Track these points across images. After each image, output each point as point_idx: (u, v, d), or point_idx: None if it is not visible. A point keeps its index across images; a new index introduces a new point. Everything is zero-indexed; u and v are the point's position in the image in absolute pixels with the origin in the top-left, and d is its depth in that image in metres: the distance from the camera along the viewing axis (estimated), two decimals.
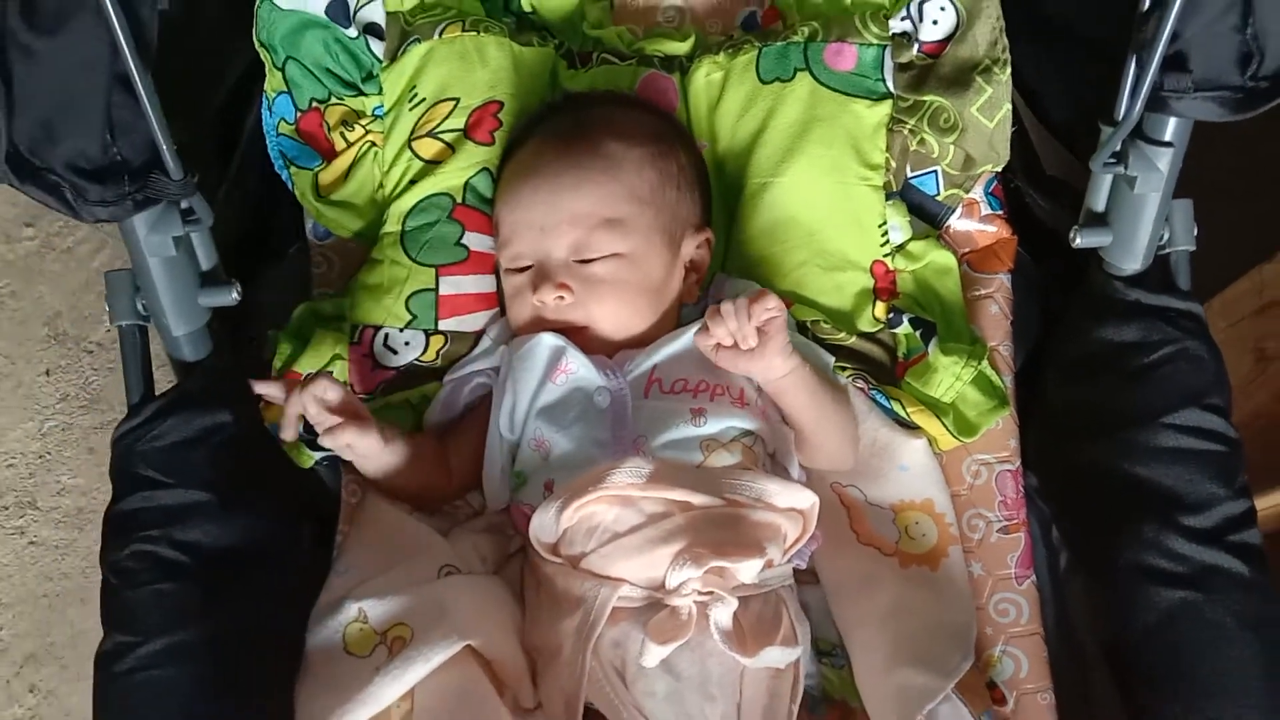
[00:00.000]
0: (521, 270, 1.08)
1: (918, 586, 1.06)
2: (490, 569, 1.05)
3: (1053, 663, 1.05)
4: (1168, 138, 0.89)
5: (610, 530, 0.95)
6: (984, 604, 1.07)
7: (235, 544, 0.91)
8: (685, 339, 1.04)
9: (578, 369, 1.04)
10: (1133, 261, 0.98)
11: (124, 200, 0.79)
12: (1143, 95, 0.83)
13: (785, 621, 0.97)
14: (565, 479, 0.98)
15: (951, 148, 1.10)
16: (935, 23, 1.10)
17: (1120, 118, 0.88)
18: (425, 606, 0.94)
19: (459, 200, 1.12)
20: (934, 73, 1.10)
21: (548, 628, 0.97)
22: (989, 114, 1.08)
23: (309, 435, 1.07)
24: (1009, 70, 1.07)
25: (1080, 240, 0.98)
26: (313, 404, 0.97)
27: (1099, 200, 0.96)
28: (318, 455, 1.07)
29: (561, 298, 1.05)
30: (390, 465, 1.03)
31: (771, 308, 0.96)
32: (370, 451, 1.01)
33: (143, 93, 0.74)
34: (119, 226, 0.85)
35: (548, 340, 1.05)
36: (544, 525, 0.97)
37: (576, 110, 1.12)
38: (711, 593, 0.93)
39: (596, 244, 1.04)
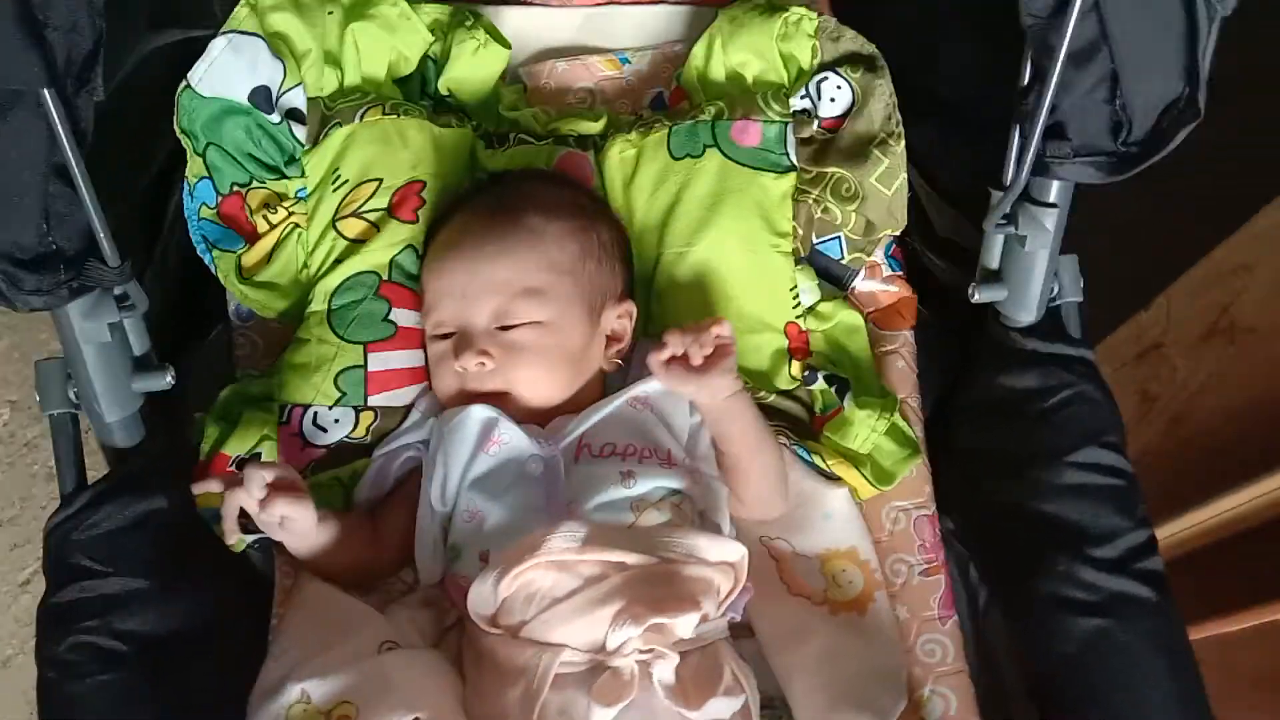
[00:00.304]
0: (444, 337, 1.10)
1: (848, 633, 1.09)
2: (429, 644, 1.05)
3: (979, 699, 1.10)
4: (1052, 199, 0.96)
5: (549, 596, 0.97)
6: (912, 646, 1.11)
7: (176, 629, 0.90)
8: (614, 405, 1.07)
9: (510, 439, 1.06)
10: (1027, 314, 1.06)
11: (59, 288, 0.80)
12: (1028, 162, 0.91)
13: (726, 672, 0.99)
14: (500, 548, 0.99)
15: (853, 214, 1.17)
16: (833, 100, 1.18)
17: (1008, 182, 0.95)
18: (369, 682, 0.94)
19: (385, 277, 1.15)
20: (834, 146, 1.17)
21: (491, 699, 0.97)
22: (886, 183, 1.15)
23: (242, 519, 1.06)
24: (903, 143, 1.15)
25: (978, 296, 1.04)
26: (255, 490, 0.96)
27: (993, 258, 1.04)
28: (250, 539, 1.06)
29: (482, 364, 1.07)
30: (322, 544, 1.04)
31: (725, 333, 1.02)
32: (304, 528, 1.01)
33: (80, 182, 0.75)
34: (52, 316, 0.85)
35: (479, 412, 1.07)
36: (482, 596, 0.98)
37: (503, 186, 1.16)
38: (652, 650, 0.94)
39: (516, 311, 1.07)
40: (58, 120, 0.73)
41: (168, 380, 0.92)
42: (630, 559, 0.97)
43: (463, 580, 1.02)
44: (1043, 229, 0.98)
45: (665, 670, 0.94)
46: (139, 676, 0.87)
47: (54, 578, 0.90)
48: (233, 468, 1.08)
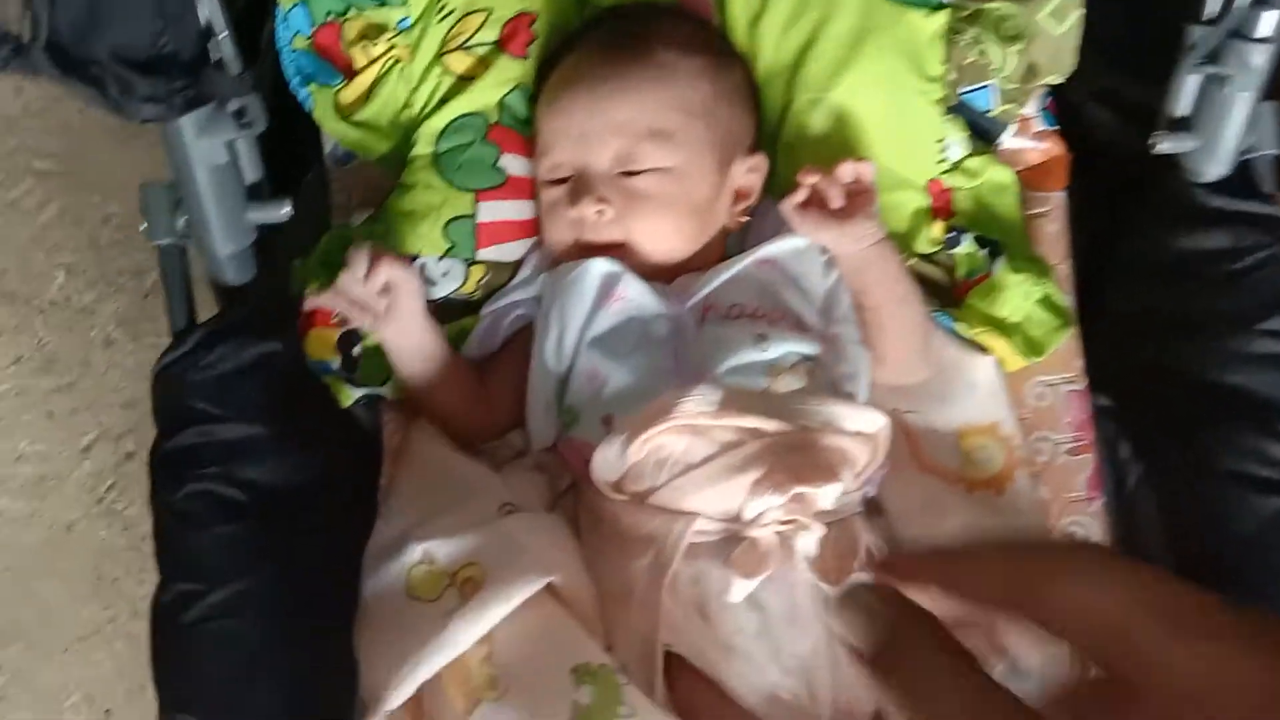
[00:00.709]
0: (559, 182, 1.01)
1: (986, 512, 1.03)
2: (546, 508, 0.99)
3: None
4: (1267, 33, 0.86)
5: (681, 462, 0.90)
6: (1053, 527, 1.04)
7: (292, 481, 0.83)
8: (742, 265, 0.99)
9: (634, 295, 0.98)
10: (1217, 166, 0.96)
11: (174, 96, 0.71)
12: None
13: (862, 548, 0.93)
14: (625, 412, 0.92)
15: (1014, 57, 1.06)
16: None
17: (1215, 14, 0.84)
18: (496, 544, 0.88)
19: (494, 120, 1.05)
20: None
21: (615, 568, 0.91)
22: (1058, 19, 1.04)
23: (346, 373, 0.99)
24: None
25: (1163, 145, 0.94)
26: (359, 266, 0.91)
27: (1183, 104, 0.93)
28: (357, 393, 0.99)
29: (601, 211, 0.98)
30: (433, 369, 0.97)
31: (867, 173, 0.93)
32: (411, 309, 0.95)
33: None
34: (162, 132, 0.76)
35: (599, 265, 0.98)
36: (608, 461, 0.91)
37: (627, 19, 1.06)
38: (793, 521, 0.88)
39: (641, 155, 0.98)
40: None
41: (285, 211, 0.84)
42: (768, 425, 0.90)
43: (581, 445, 0.95)
44: (1249, 69, 0.87)
45: (808, 542, 0.88)
46: (258, 527, 0.81)
47: (168, 420, 0.83)
48: (336, 320, 1.01)
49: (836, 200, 0.94)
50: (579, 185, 0.99)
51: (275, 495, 0.83)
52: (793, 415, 0.91)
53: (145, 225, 0.83)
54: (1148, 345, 1.01)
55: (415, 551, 0.88)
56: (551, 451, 1.01)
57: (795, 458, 0.89)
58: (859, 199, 0.95)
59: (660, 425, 0.89)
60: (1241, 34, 0.87)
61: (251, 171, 0.82)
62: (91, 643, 1.56)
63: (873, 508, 1.02)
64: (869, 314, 1.01)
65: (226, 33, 0.70)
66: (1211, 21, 0.84)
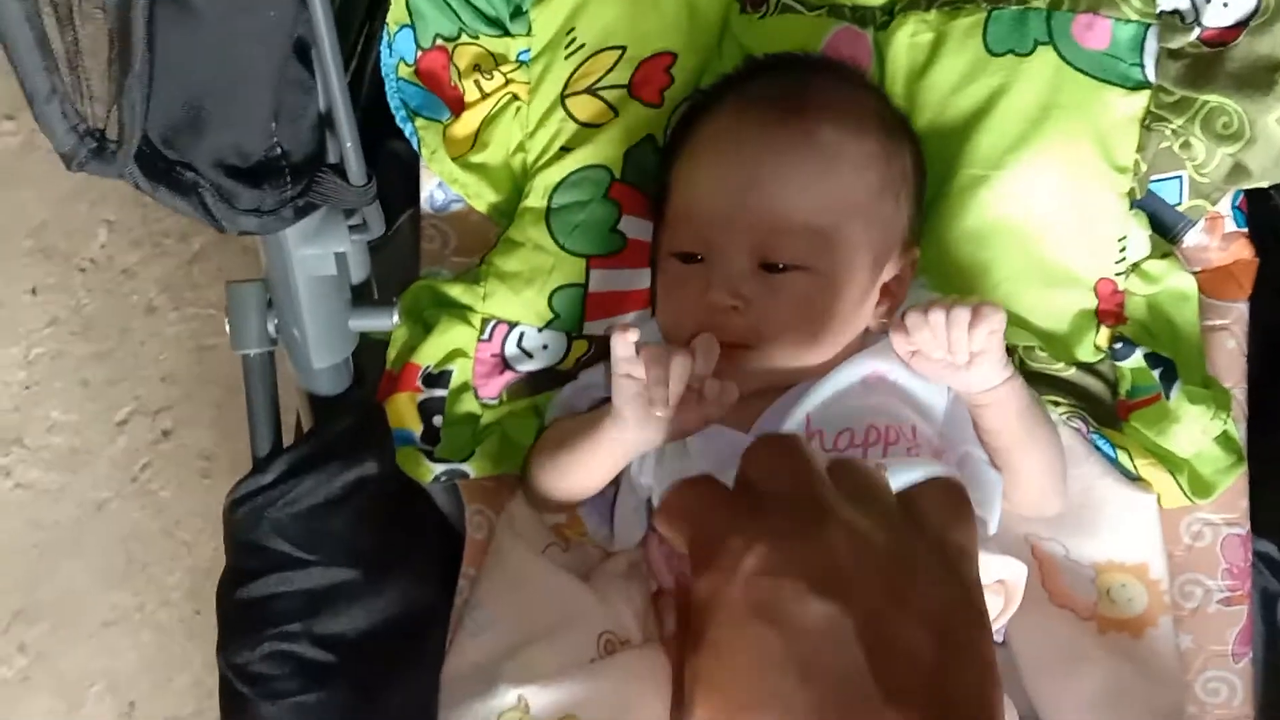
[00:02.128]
0: (686, 258, 0.89)
1: (1122, 660, 0.93)
2: (641, 623, 0.89)
3: None
4: None
5: None
6: (1192, 680, 0.95)
7: (384, 624, 0.74)
8: (843, 376, 0.87)
9: (698, 458, 0.85)
10: None
11: (284, 207, 0.58)
12: None
13: None
14: None
15: (1225, 158, 0.92)
16: (1225, 4, 0.91)
17: None
18: (600, 697, 0.79)
19: (617, 175, 0.93)
20: (1217, 66, 0.91)
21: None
22: None
23: (425, 446, 0.88)
24: None
25: None
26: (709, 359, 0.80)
27: None
28: (438, 469, 0.88)
29: (735, 307, 0.86)
30: (615, 467, 0.87)
31: (996, 328, 0.82)
32: (653, 445, 0.84)
33: (330, 59, 0.53)
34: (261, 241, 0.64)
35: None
36: None
37: (787, 78, 0.91)
38: None
39: (790, 252, 0.85)
40: None
41: (394, 319, 0.72)
42: None
43: (672, 552, 0.86)
44: None
45: None
46: (347, 690, 0.71)
47: (243, 563, 0.72)
48: (420, 382, 0.90)
49: (961, 355, 0.82)
50: (712, 273, 0.86)
51: (366, 650, 0.72)
52: None
53: (229, 331, 0.71)
54: None
55: (509, 696, 0.78)
56: (640, 548, 0.92)
57: None
58: (991, 340, 0.83)
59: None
60: None
61: (358, 272, 0.70)
62: (118, 630, 1.50)
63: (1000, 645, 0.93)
64: (992, 452, 0.90)
65: (351, 141, 0.57)
66: None
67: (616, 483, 0.92)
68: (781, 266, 0.86)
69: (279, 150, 0.57)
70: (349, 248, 0.65)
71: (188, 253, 1.61)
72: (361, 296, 0.73)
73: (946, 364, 0.84)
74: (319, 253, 0.64)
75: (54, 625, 1.50)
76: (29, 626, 1.50)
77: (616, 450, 0.86)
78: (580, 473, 0.88)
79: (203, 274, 1.59)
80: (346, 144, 0.57)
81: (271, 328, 0.71)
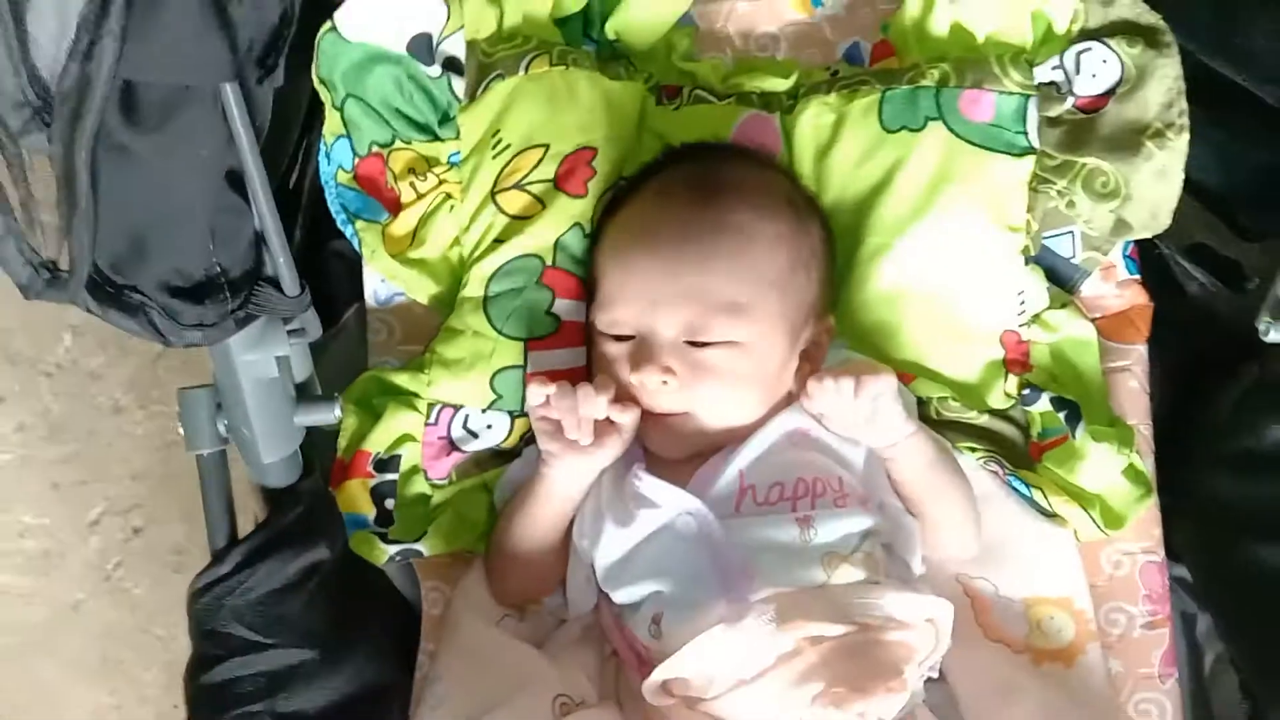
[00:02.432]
0: (619, 339, 0.95)
1: (1056, 689, 0.98)
2: (596, 686, 0.94)
3: None
4: None
5: (734, 676, 0.85)
6: (1124, 703, 1.00)
7: (341, 701, 0.77)
8: (769, 434, 0.93)
9: (644, 522, 0.91)
10: None
11: (225, 320, 0.64)
12: None
13: None
14: (675, 618, 0.88)
15: (1108, 214, 0.99)
16: (1094, 75, 0.99)
17: None
18: None
19: (549, 262, 0.99)
20: (1091, 132, 0.99)
21: None
22: (1157, 183, 0.97)
23: (378, 529, 0.93)
24: (1186, 136, 0.96)
25: (1274, 335, 0.88)
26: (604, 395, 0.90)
27: None
28: (391, 550, 0.93)
29: (665, 382, 0.92)
30: (559, 520, 0.94)
31: (880, 385, 0.89)
32: (591, 477, 0.93)
33: (259, 189, 0.59)
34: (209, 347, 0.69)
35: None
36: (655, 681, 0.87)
37: (703, 167, 0.99)
38: None
39: (712, 328, 0.92)
40: (237, 117, 0.56)
41: (335, 414, 0.77)
42: (829, 631, 0.85)
43: (629, 633, 0.91)
44: None
45: None
46: None
47: (206, 649, 0.77)
48: (371, 467, 0.95)
49: (858, 419, 0.91)
50: (643, 351, 0.92)
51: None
52: (853, 613, 0.87)
53: (183, 432, 0.76)
54: (1238, 531, 0.96)
55: None
56: (594, 614, 0.97)
57: (856, 664, 0.85)
58: (880, 402, 0.90)
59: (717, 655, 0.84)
60: None
61: (301, 371, 0.75)
62: None
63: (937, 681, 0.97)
64: (906, 502, 0.97)
65: (283, 257, 0.63)
66: None
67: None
68: (706, 342, 0.92)
69: (218, 269, 0.62)
70: (289, 351, 0.70)
71: (152, 352, 1.62)
72: (305, 393, 0.78)
73: (850, 424, 0.91)
74: (261, 357, 0.70)
75: None
76: None
77: (555, 492, 0.93)
78: (535, 530, 0.94)
79: (167, 372, 1.61)
80: (279, 259, 0.63)
81: (222, 428, 0.76)
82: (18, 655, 1.54)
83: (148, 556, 1.56)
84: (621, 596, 0.91)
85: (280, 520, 0.79)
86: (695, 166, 0.99)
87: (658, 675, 0.86)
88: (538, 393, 0.91)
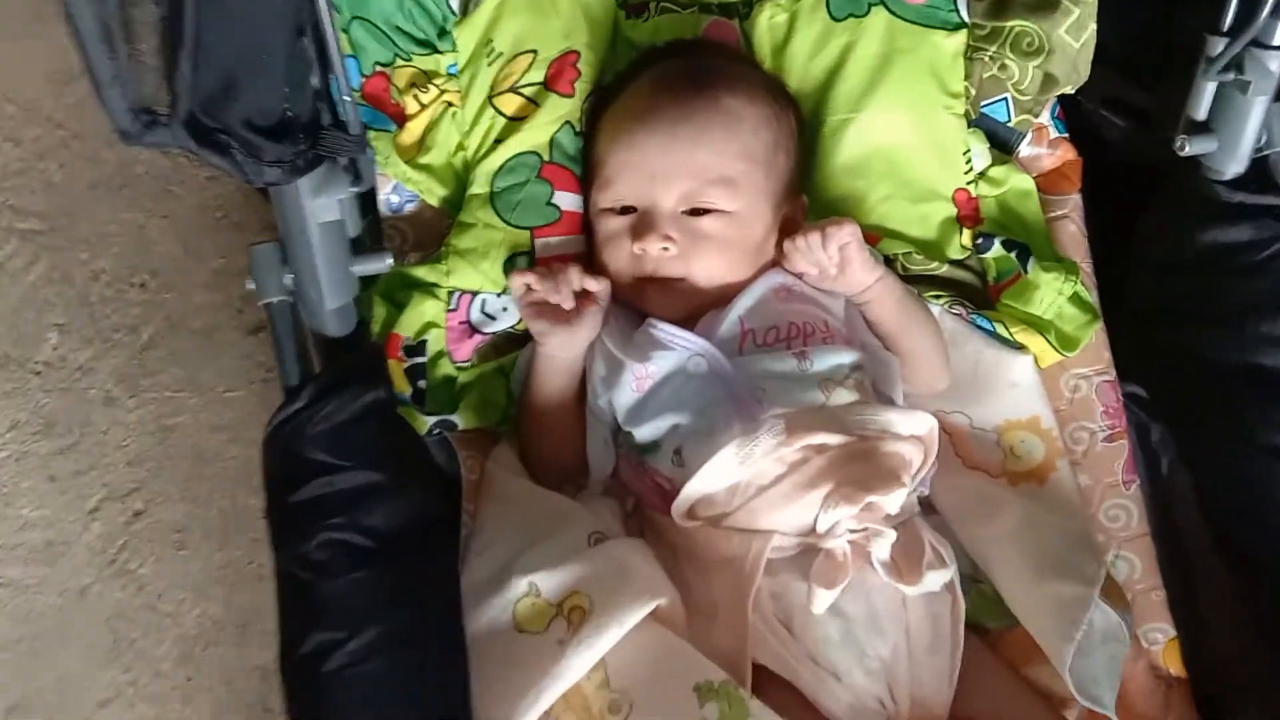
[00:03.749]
0: (621, 213, 1.04)
1: (1034, 503, 1.07)
2: (623, 526, 1.02)
3: (1159, 561, 1.10)
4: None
5: (752, 485, 0.94)
6: (1095, 512, 1.10)
7: (412, 523, 0.86)
8: (758, 288, 1.04)
9: (661, 361, 1.01)
10: (1236, 165, 1.03)
11: (299, 158, 0.73)
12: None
13: (927, 546, 0.97)
14: (695, 445, 0.96)
15: (1033, 71, 1.12)
16: None
17: (1226, 26, 0.91)
18: (599, 571, 0.91)
19: (546, 158, 1.08)
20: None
21: (694, 590, 0.95)
22: (1075, 34, 1.10)
23: (418, 404, 1.02)
24: None
25: (1189, 149, 1.01)
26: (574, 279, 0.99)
27: (1201, 109, 1.01)
28: (430, 420, 1.01)
29: (666, 249, 1.02)
30: (568, 391, 1.03)
31: (844, 235, 0.99)
32: (581, 345, 1.01)
33: (331, 35, 0.68)
34: (274, 194, 0.78)
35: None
36: (687, 499, 0.96)
37: (691, 58, 1.10)
38: (865, 530, 0.92)
39: (708, 199, 1.02)
40: None
41: (388, 262, 0.86)
42: (831, 440, 0.95)
43: (653, 472, 0.99)
44: (1268, 74, 0.95)
45: (882, 548, 0.93)
46: (390, 573, 0.83)
47: (289, 473, 0.85)
48: (403, 353, 1.03)
49: (830, 268, 1.01)
50: (645, 221, 1.02)
51: (400, 538, 0.85)
52: (851, 426, 0.96)
53: (252, 284, 0.84)
54: (1175, 334, 1.08)
55: (520, 585, 0.90)
56: (613, 479, 1.05)
57: (859, 468, 0.94)
58: (848, 251, 1.00)
59: (738, 471, 0.93)
60: (1260, 43, 0.94)
61: (354, 226, 0.84)
62: (115, 707, 1.53)
63: (926, 507, 1.07)
64: (884, 340, 1.07)
65: (350, 98, 0.72)
66: (1229, 31, 0.91)
67: None
68: (701, 211, 1.02)
69: (290, 114, 0.71)
70: (349, 195, 0.79)
71: (138, 343, 1.66)
72: (358, 246, 0.87)
73: (824, 275, 1.02)
74: (326, 201, 0.78)
75: (49, 714, 1.51)
76: (25, 719, 1.51)
77: (554, 365, 1.02)
78: (548, 402, 1.02)
79: (155, 361, 1.65)
80: (346, 98, 0.72)
81: (288, 280, 0.84)
82: (35, 645, 1.54)
83: (150, 538, 1.59)
84: (644, 432, 0.99)
85: (345, 361, 0.88)
86: (686, 59, 1.09)
87: (686, 494, 0.94)
88: (519, 283, 1.01)
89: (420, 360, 1.04)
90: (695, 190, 1.02)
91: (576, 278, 1.00)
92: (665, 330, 1.01)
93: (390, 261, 0.88)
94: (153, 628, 1.54)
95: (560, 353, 1.02)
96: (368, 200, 1.10)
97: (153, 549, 1.58)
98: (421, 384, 1.03)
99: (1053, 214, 1.17)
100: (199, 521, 1.60)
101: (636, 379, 1.01)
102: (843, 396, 0.99)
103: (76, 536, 1.60)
